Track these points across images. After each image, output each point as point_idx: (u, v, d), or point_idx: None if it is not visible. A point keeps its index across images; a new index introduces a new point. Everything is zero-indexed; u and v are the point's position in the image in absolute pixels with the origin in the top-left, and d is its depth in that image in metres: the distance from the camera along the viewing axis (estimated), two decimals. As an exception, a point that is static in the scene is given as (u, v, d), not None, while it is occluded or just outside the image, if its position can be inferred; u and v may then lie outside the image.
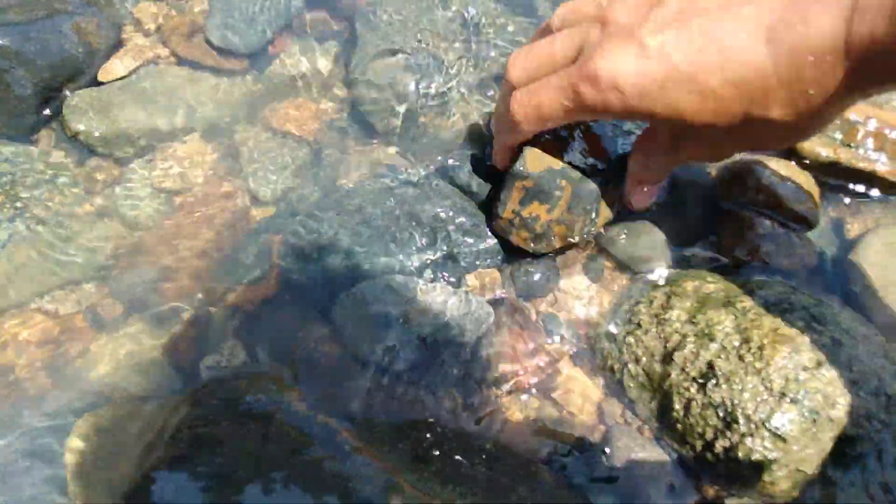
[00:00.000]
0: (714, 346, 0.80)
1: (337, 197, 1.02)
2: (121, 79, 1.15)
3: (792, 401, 0.72)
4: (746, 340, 0.78)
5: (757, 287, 0.87)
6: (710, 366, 0.78)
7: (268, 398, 0.81)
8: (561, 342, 0.92)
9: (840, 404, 0.73)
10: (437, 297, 0.92)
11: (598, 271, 0.97)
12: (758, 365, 0.75)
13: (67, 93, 1.12)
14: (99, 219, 1.05)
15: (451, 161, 1.02)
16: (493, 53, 1.14)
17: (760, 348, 0.76)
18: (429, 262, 0.95)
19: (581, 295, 0.95)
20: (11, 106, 1.06)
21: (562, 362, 0.91)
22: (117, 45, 1.19)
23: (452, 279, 0.96)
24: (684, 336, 0.83)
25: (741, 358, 0.77)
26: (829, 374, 0.74)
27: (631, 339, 0.87)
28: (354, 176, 1.07)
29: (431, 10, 1.17)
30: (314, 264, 0.96)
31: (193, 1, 1.23)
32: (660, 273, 0.93)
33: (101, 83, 1.14)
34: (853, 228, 0.96)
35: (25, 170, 1.06)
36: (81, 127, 1.06)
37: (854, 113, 0.94)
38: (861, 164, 0.93)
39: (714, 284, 0.88)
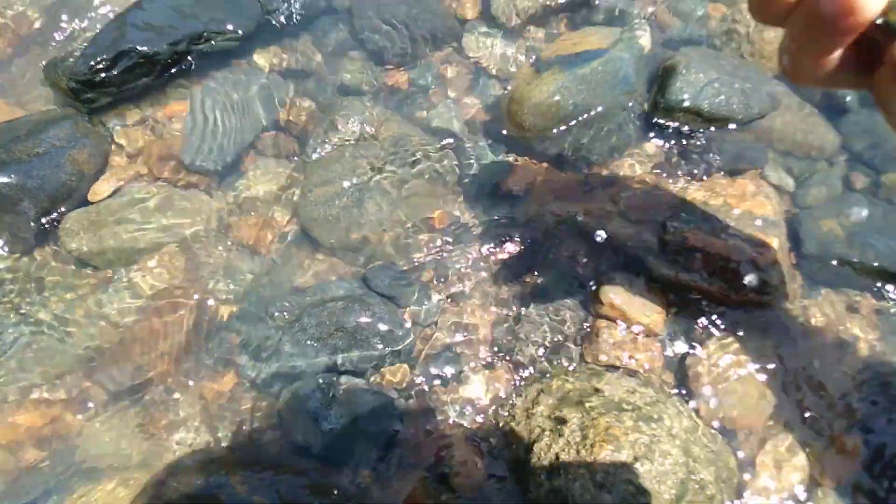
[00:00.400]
0: (562, 441, 1.03)
1: (284, 306, 1.26)
2: (108, 197, 1.39)
3: (608, 491, 0.96)
4: (584, 437, 1.02)
5: (608, 386, 1.10)
6: (557, 457, 1.02)
7: (216, 480, 1.05)
8: (458, 427, 1.16)
9: (647, 494, 0.96)
10: (358, 392, 1.16)
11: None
12: (588, 459, 0.99)
13: (64, 209, 1.36)
14: (89, 320, 1.28)
15: (377, 273, 1.26)
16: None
17: (592, 445, 1.00)
18: (352, 362, 1.19)
19: (479, 388, 1.19)
20: (17, 228, 1.30)
21: (456, 444, 1.14)
22: (104, 168, 1.42)
23: (371, 376, 1.19)
24: (543, 430, 1.06)
25: (578, 452, 1.00)
26: (643, 468, 0.98)
27: (507, 429, 1.11)
28: (302, 284, 1.31)
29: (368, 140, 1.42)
30: (263, 364, 1.20)
31: (169, 127, 1.47)
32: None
33: (91, 202, 1.38)
34: (695, 335, 1.19)
35: (27, 279, 1.30)
36: (74, 245, 1.30)
37: (692, 240, 1.17)
38: (697, 283, 1.16)
39: (572, 384, 1.11)
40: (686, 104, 1.32)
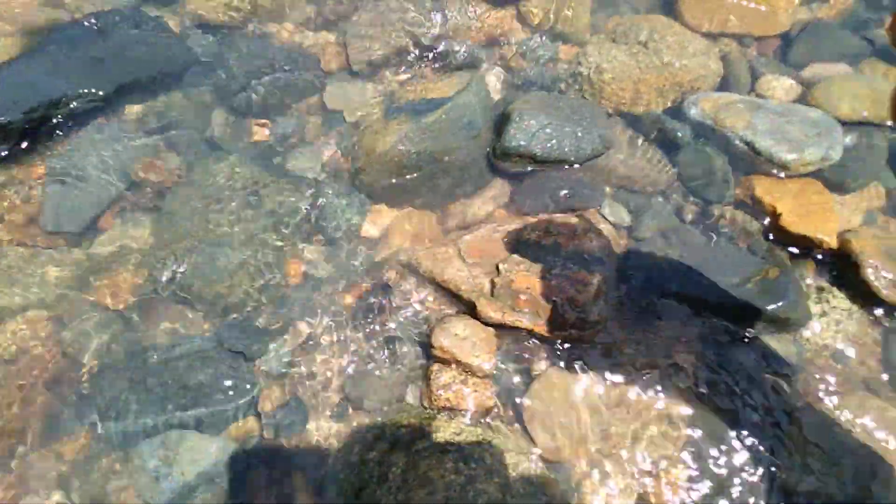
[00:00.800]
0: (385, 486, 1.08)
1: (134, 365, 1.29)
2: (-32, 264, 1.41)
3: (417, 533, 1.01)
4: (405, 481, 1.07)
5: (437, 428, 1.16)
6: (379, 502, 1.07)
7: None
8: (300, 476, 1.20)
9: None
10: (203, 446, 1.20)
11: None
12: (404, 503, 1.04)
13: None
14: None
15: (228, 328, 1.30)
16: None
17: (409, 489, 1.05)
18: (198, 418, 1.23)
19: (323, 435, 1.23)
20: None
21: (298, 494, 1.18)
22: (-36, 234, 1.44)
23: (217, 430, 1.23)
24: (372, 475, 1.11)
25: (396, 497, 1.05)
26: (454, 508, 1.03)
27: (342, 475, 1.15)
28: (154, 341, 1.34)
29: (221, 202, 1.46)
30: (113, 422, 1.23)
31: (29, 191, 1.49)
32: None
33: (-50, 270, 1.40)
34: (524, 372, 1.25)
35: None
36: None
37: (518, 282, 1.24)
38: (523, 323, 1.23)
39: (405, 428, 1.16)
40: (520, 150, 1.39)
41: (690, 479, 1.17)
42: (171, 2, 1.81)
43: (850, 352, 1.26)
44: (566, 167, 1.45)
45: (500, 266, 1.29)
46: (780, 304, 1.22)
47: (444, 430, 1.16)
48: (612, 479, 1.17)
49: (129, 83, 1.59)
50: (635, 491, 1.16)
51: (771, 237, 1.35)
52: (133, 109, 1.61)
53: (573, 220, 1.39)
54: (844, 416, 1.21)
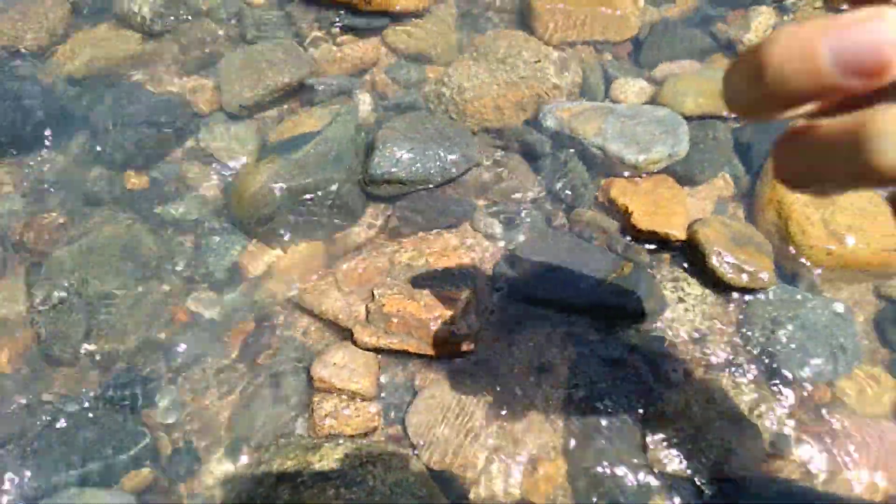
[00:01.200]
0: (270, 521, 1.12)
1: (19, 429, 1.30)
2: None
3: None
4: (289, 514, 1.11)
5: (322, 457, 1.20)
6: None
7: None
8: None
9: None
10: (98, 501, 1.21)
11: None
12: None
13: None
14: None
15: (115, 381, 1.32)
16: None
17: (292, 521, 1.09)
18: (89, 474, 1.24)
19: (217, 479, 1.26)
20: None
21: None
22: None
23: (111, 483, 1.25)
24: (258, 512, 1.15)
25: (280, 530, 1.09)
26: (335, 533, 1.08)
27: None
28: (38, 404, 1.35)
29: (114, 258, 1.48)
30: (5, 494, 1.24)
31: None
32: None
33: None
34: (406, 392, 1.31)
35: None
36: None
37: (388, 305, 1.29)
38: (398, 345, 1.28)
39: (292, 461, 1.21)
40: (386, 176, 1.45)
41: (569, 475, 1.24)
42: (38, 56, 1.80)
43: (707, 334, 1.36)
44: (436, 187, 1.51)
45: (375, 291, 1.35)
46: (634, 296, 1.31)
47: (329, 458, 1.20)
48: (496, 482, 1.24)
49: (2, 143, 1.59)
50: (518, 492, 1.23)
51: (627, 236, 1.44)
52: (2, 171, 1.60)
53: (446, 236, 1.45)
54: (705, 395, 1.31)
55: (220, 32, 1.79)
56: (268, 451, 1.27)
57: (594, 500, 1.20)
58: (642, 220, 1.40)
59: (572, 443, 1.26)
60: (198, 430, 1.32)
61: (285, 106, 1.68)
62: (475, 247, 1.45)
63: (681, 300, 1.39)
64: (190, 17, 1.83)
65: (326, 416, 1.26)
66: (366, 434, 1.27)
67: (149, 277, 1.47)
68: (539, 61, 1.64)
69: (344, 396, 1.27)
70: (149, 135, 1.63)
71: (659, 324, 1.37)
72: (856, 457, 1.22)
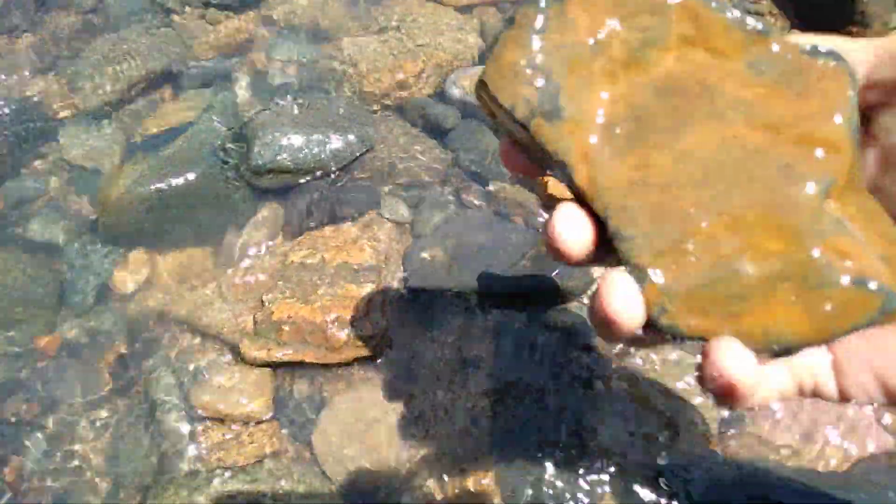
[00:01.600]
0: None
1: None
2: None
3: None
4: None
5: (212, 493, 1.03)
6: None
7: None
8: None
9: None
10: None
11: None
12: None
13: None
14: None
15: None
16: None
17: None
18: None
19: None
20: None
21: None
22: None
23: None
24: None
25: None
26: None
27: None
28: None
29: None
30: None
31: None
32: None
33: None
34: (309, 405, 1.14)
35: None
36: None
37: (278, 313, 1.12)
38: (292, 356, 1.11)
39: (184, 499, 1.03)
40: (269, 166, 1.28)
41: (500, 475, 1.10)
42: None
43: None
44: (332, 175, 1.34)
45: (264, 298, 1.17)
46: (553, 275, 1.18)
47: (220, 495, 1.03)
48: (421, 491, 1.08)
49: None
50: (449, 498, 1.09)
51: (546, 209, 1.30)
52: None
53: (345, 228, 1.29)
54: (645, 371, 1.18)
55: (80, 24, 1.58)
56: (151, 493, 1.09)
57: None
58: (558, 189, 1.26)
59: (505, 438, 1.11)
60: (72, 478, 1.13)
61: (153, 97, 1.49)
62: (379, 236, 1.29)
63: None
64: (44, 10, 1.62)
65: (215, 446, 1.08)
66: (262, 461, 1.09)
67: (12, 306, 1.27)
68: (438, 26, 1.48)
69: (236, 421, 1.10)
70: (1, 148, 1.42)
71: (587, 300, 1.23)
72: (819, 428, 1.11)
